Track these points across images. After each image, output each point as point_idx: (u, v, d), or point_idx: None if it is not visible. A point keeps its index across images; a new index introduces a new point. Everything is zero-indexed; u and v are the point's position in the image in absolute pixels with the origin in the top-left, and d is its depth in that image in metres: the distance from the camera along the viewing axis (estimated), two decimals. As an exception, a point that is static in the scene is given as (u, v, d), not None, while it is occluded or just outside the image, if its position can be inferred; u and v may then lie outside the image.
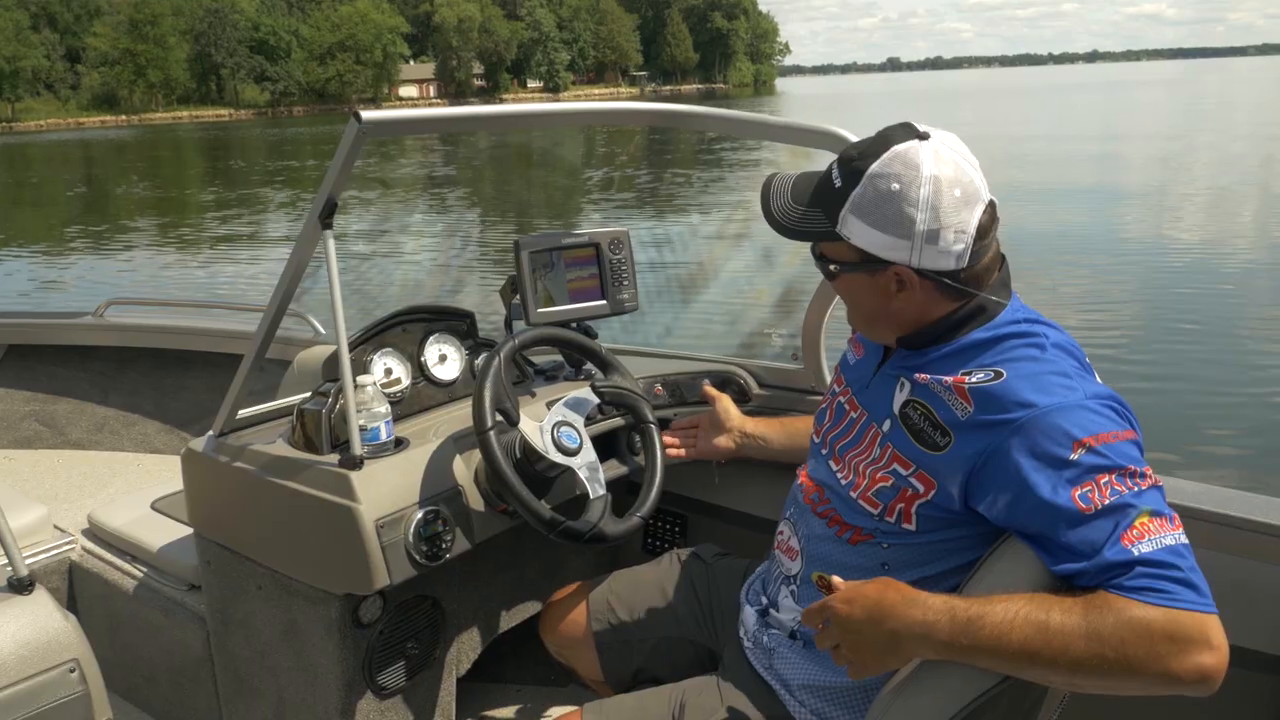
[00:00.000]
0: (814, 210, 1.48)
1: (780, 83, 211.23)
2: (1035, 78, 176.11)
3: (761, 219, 1.55)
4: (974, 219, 1.41)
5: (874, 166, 1.42)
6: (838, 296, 1.81)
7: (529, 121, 2.13)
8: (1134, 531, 1.24)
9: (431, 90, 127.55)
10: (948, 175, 1.40)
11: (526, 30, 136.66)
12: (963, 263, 1.43)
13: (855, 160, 1.44)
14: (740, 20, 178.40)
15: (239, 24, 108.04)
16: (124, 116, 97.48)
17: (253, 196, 23.67)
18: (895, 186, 1.40)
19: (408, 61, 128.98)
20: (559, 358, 2.34)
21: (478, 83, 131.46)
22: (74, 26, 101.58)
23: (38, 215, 22.22)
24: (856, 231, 1.43)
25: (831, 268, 1.51)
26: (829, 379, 2.23)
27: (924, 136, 1.43)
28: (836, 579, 1.39)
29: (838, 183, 1.45)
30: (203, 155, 43.73)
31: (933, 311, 1.47)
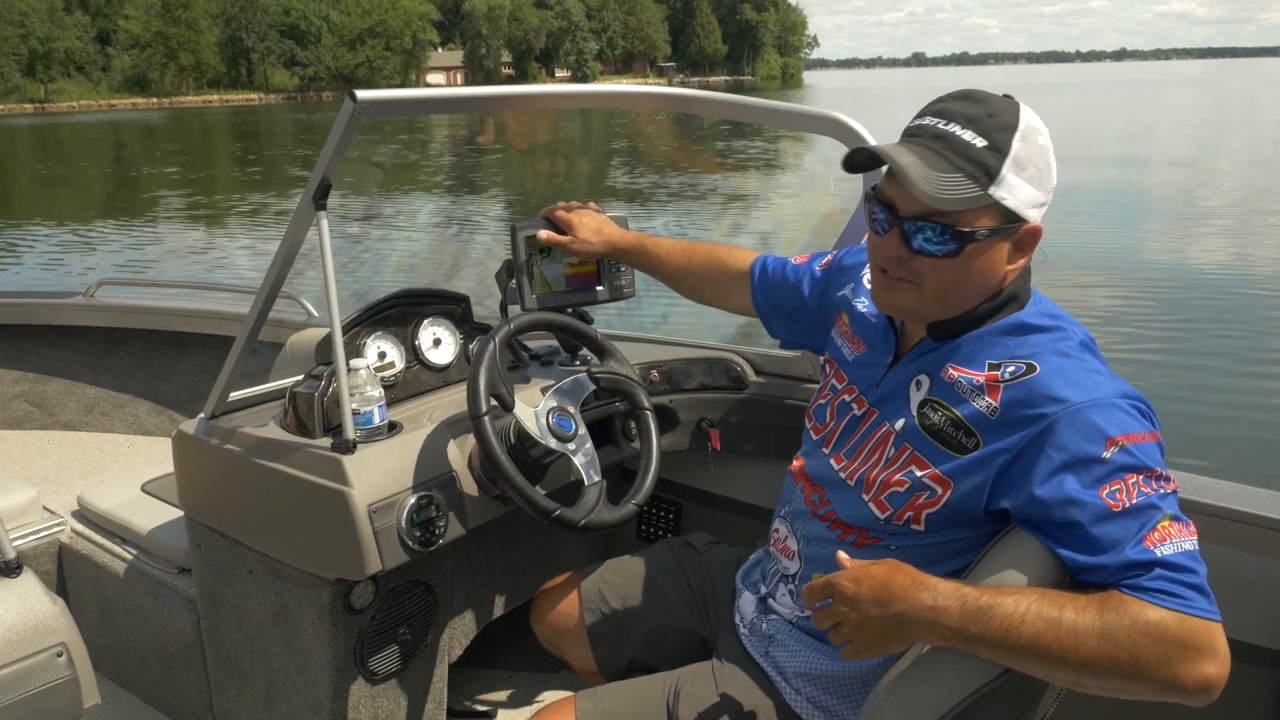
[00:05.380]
0: (960, 176, 1.34)
1: (806, 76, 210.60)
2: (1062, 75, 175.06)
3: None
4: None
5: (1023, 120, 1.37)
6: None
7: (527, 103, 2.10)
8: (1156, 534, 1.23)
9: (459, 78, 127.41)
10: None
11: (556, 19, 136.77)
12: None
13: (994, 116, 1.37)
14: (769, 12, 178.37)
15: (270, 8, 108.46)
16: (155, 99, 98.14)
17: (272, 181, 23.75)
18: (1042, 141, 1.38)
19: (436, 49, 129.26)
20: (554, 343, 2.32)
21: (506, 71, 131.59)
22: (105, 9, 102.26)
23: (61, 195, 22.41)
24: (1014, 190, 1.35)
25: (979, 235, 1.36)
26: None
27: (1010, 97, 1.42)
28: (843, 555, 1.36)
29: (980, 143, 1.35)
30: (230, 139, 44.01)
31: (1005, 283, 1.44)
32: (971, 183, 1.34)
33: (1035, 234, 1.41)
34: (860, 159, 1.42)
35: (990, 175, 1.34)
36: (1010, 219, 1.38)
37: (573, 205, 2.16)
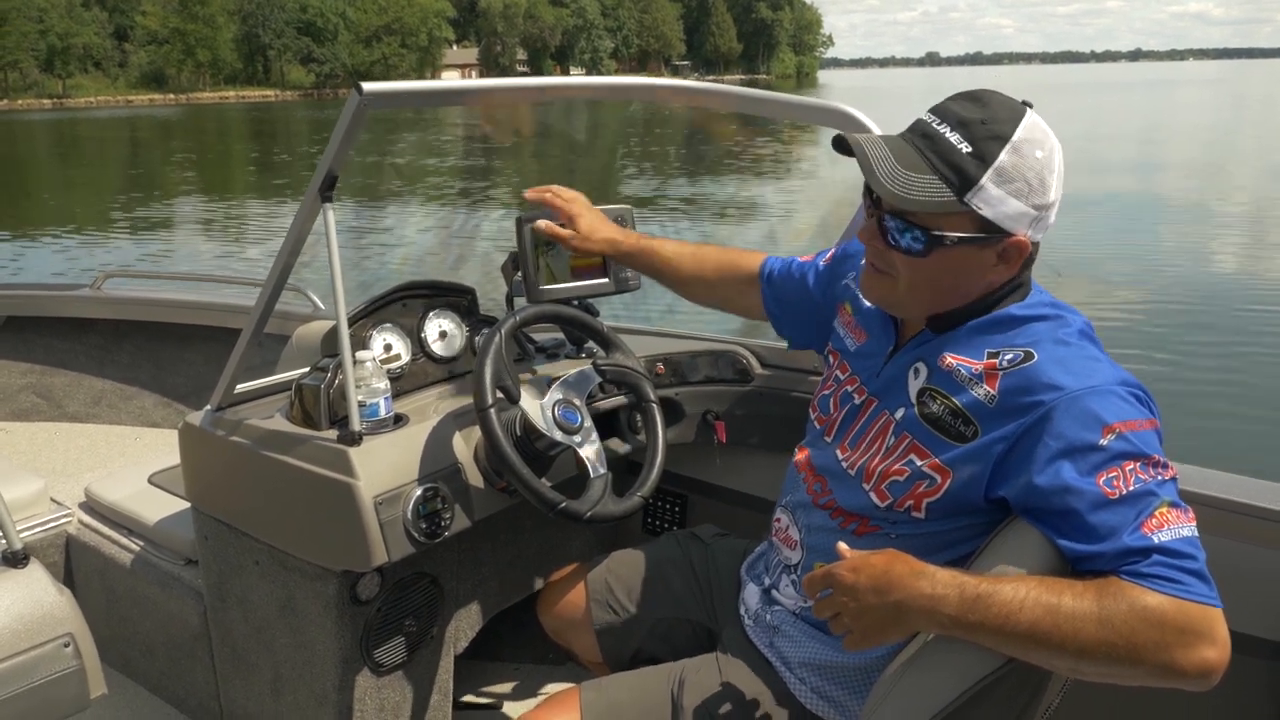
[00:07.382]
0: (934, 178, 1.35)
1: (820, 75, 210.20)
2: (1077, 75, 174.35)
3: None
4: None
5: (1019, 132, 1.35)
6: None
7: (535, 94, 2.09)
8: (1154, 520, 1.22)
9: (474, 75, 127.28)
10: (1059, 145, 1.39)
11: (571, 17, 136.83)
12: (1043, 234, 1.41)
13: (987, 124, 1.35)
14: (785, 11, 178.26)
15: (287, 5, 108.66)
16: (171, 95, 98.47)
17: (284, 175, 23.80)
18: (1040, 154, 1.35)
19: (451, 46, 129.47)
20: (560, 335, 2.31)
21: (521, 68, 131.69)
22: (123, 5, 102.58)
23: (75, 189, 22.50)
24: (992, 200, 1.34)
25: (948, 239, 1.37)
26: None
27: (1029, 105, 1.40)
28: (843, 546, 1.36)
29: (965, 148, 1.34)
30: (245, 135, 44.17)
31: (995, 286, 1.43)
32: (945, 187, 1.34)
33: (1021, 248, 1.39)
34: (841, 145, 1.43)
35: (968, 183, 1.34)
36: (989, 229, 1.37)
37: (561, 192, 2.08)
